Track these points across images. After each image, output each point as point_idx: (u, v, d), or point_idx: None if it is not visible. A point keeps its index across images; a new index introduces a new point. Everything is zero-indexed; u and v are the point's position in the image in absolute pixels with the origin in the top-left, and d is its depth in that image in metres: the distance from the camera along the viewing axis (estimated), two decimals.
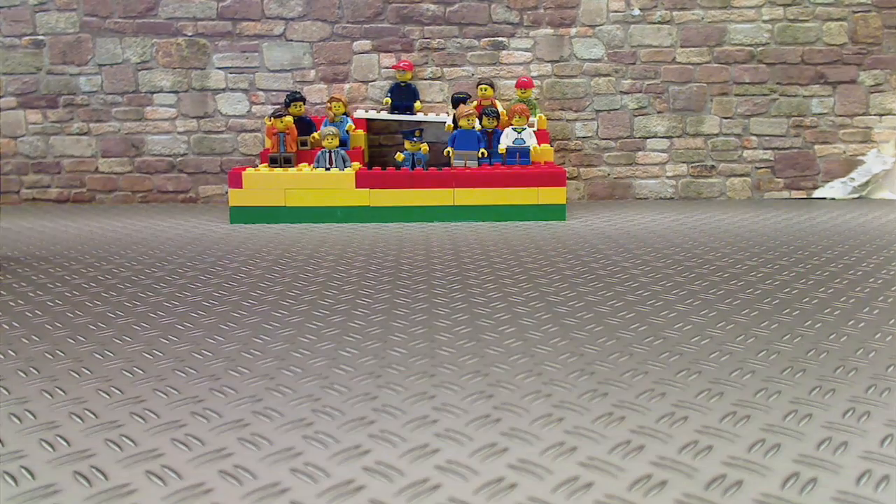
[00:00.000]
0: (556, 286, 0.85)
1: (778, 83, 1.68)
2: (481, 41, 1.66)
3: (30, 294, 0.83)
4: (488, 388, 0.54)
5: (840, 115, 1.69)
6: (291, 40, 1.67)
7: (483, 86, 1.56)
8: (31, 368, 0.59)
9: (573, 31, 1.66)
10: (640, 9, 1.66)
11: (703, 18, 1.66)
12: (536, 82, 1.67)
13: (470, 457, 0.43)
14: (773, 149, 1.70)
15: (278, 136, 1.47)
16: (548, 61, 1.67)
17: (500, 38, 1.66)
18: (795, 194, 1.72)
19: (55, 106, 1.67)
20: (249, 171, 1.39)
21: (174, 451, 0.44)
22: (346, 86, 1.67)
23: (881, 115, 1.69)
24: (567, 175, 1.70)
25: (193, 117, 1.68)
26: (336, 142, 1.44)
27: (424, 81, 1.67)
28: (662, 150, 1.70)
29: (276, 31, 1.66)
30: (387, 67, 1.67)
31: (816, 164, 1.71)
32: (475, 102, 1.57)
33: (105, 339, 0.67)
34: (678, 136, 1.69)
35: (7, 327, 0.70)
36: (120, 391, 0.54)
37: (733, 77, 1.68)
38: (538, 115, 1.58)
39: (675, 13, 1.66)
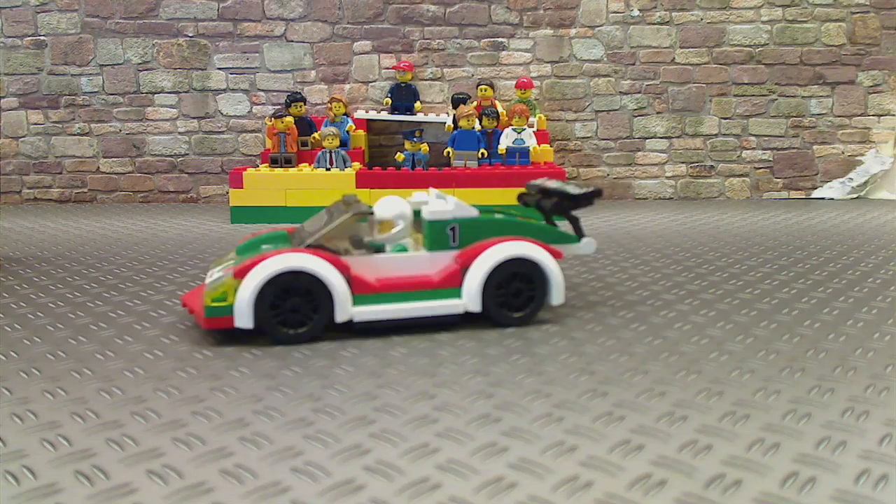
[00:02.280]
0: None
1: (777, 84, 1.68)
2: (481, 42, 1.67)
3: (31, 296, 0.84)
4: (488, 388, 0.54)
5: (839, 116, 1.69)
6: (292, 41, 1.67)
7: (483, 86, 1.56)
8: (33, 369, 0.59)
9: (573, 31, 1.66)
10: (639, 9, 1.66)
11: (702, 19, 1.66)
12: (536, 83, 1.67)
13: (470, 456, 0.43)
14: (771, 149, 1.70)
15: (279, 136, 1.47)
16: (547, 62, 1.67)
17: (499, 39, 1.67)
18: (794, 194, 1.72)
19: (56, 106, 1.68)
20: (250, 171, 1.40)
21: (175, 450, 0.44)
22: (347, 86, 1.68)
23: (879, 115, 1.69)
24: (567, 175, 1.70)
25: (194, 118, 1.68)
26: (336, 142, 1.44)
27: (424, 82, 1.67)
28: (662, 151, 1.70)
29: (277, 31, 1.66)
30: (387, 68, 1.67)
31: (815, 165, 1.71)
32: (475, 103, 1.57)
33: (106, 338, 0.67)
34: (677, 137, 1.69)
35: (9, 329, 0.70)
36: (121, 391, 0.54)
37: (732, 78, 1.68)
38: (538, 115, 1.58)
39: (674, 14, 1.66)
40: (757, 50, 1.67)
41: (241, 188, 1.39)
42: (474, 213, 0.71)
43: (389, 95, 1.63)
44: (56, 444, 0.45)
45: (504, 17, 1.66)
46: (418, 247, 0.73)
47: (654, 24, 1.66)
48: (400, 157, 1.43)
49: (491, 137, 1.48)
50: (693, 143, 1.70)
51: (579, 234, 0.78)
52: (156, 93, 1.68)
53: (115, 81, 1.67)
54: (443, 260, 0.70)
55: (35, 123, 1.68)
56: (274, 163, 1.47)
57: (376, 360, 0.60)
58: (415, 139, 1.43)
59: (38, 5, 1.65)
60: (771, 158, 1.70)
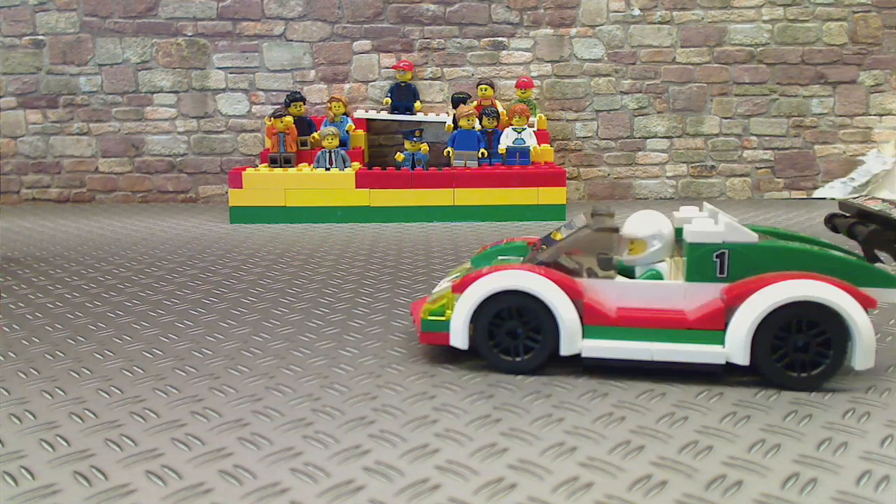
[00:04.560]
0: None
1: (778, 83, 1.68)
2: (481, 41, 1.66)
3: (30, 296, 0.83)
4: (488, 389, 0.54)
5: (840, 116, 1.69)
6: (291, 40, 1.66)
7: (483, 86, 1.56)
8: (32, 369, 0.59)
9: (573, 31, 1.66)
10: (640, 9, 1.66)
11: (703, 18, 1.66)
12: (536, 82, 1.67)
13: (470, 457, 0.43)
14: (773, 149, 1.70)
15: (278, 136, 1.47)
16: (548, 61, 1.67)
17: (500, 38, 1.66)
18: (795, 194, 1.72)
19: (55, 106, 1.67)
20: (249, 171, 1.39)
21: (174, 450, 0.44)
22: (346, 86, 1.67)
23: (881, 115, 1.69)
24: (567, 175, 1.70)
25: (193, 117, 1.68)
26: (336, 142, 1.44)
27: (424, 81, 1.67)
28: (662, 151, 1.70)
29: (276, 31, 1.66)
30: (387, 67, 1.67)
31: (816, 165, 1.71)
32: (475, 102, 1.57)
33: (105, 338, 0.67)
34: (678, 137, 1.69)
35: (7, 329, 0.70)
36: (120, 391, 0.54)
37: (733, 77, 1.68)
38: (538, 115, 1.58)
39: (675, 13, 1.66)
40: (758, 49, 1.67)
41: (241, 188, 1.38)
42: (753, 237, 0.55)
43: (389, 95, 1.63)
44: (54, 444, 0.45)
45: (504, 16, 1.66)
46: (677, 274, 0.59)
47: (654, 23, 1.66)
48: (400, 156, 1.43)
49: (491, 137, 1.48)
50: (694, 142, 1.69)
51: None
52: (155, 92, 1.67)
53: (113, 81, 1.67)
54: (704, 294, 0.56)
55: (33, 123, 1.68)
56: (273, 162, 1.47)
57: (376, 360, 0.60)
58: (415, 139, 1.43)
59: (36, 4, 1.64)
60: (772, 158, 1.70)
